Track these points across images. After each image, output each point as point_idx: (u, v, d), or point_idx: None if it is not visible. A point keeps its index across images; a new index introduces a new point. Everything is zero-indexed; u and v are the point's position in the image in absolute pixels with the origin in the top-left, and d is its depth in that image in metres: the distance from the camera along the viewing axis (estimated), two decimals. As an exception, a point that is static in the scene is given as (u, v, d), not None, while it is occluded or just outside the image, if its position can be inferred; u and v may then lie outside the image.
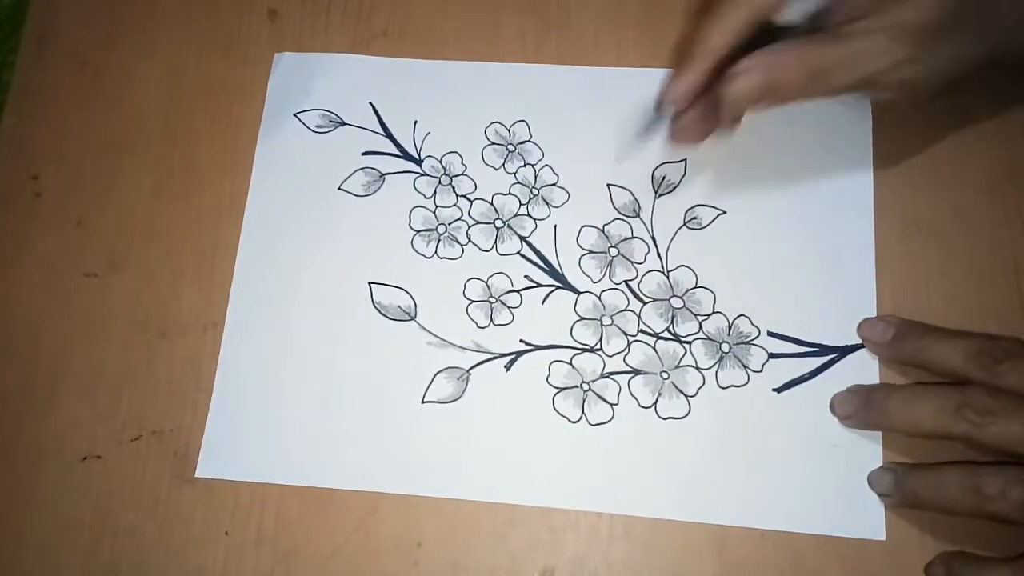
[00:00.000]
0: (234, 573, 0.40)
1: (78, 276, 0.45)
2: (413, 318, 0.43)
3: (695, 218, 0.44)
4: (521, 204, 0.45)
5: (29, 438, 0.42)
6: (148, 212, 0.46)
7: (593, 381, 0.41)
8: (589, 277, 0.43)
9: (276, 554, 0.40)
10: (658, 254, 0.43)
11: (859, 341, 0.41)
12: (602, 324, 0.42)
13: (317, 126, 0.47)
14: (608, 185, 0.44)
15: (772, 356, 0.41)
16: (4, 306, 0.45)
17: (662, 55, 0.46)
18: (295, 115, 0.47)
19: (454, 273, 0.44)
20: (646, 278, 0.43)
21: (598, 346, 0.42)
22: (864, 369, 0.40)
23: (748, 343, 0.41)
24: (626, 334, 0.42)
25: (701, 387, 0.41)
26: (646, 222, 0.44)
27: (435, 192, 0.45)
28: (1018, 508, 0.32)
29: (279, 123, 0.47)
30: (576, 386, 0.41)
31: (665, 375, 0.41)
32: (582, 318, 0.42)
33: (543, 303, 0.43)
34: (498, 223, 0.45)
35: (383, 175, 0.46)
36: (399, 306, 0.43)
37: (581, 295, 0.43)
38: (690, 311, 0.42)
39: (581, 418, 0.41)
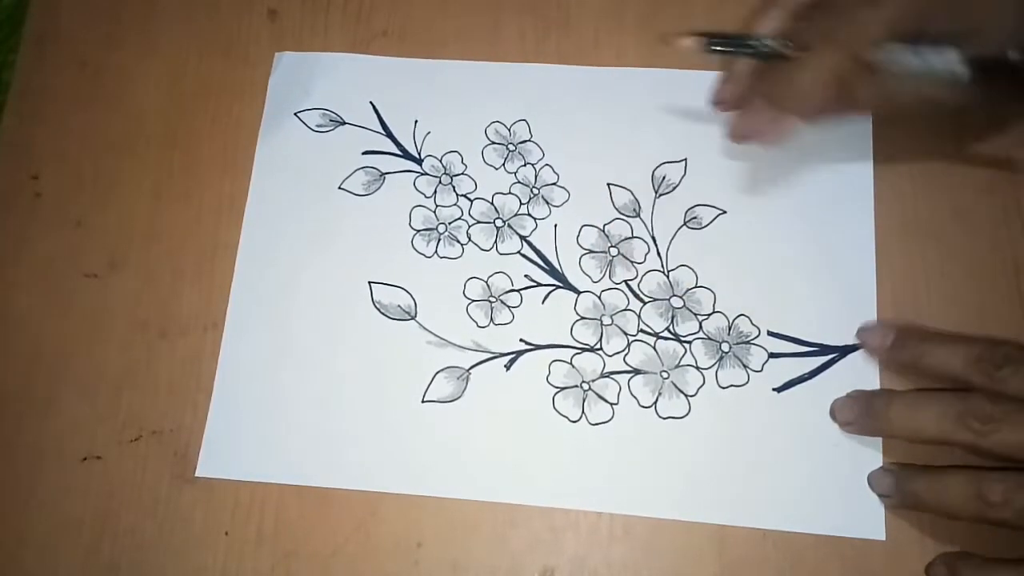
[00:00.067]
0: (234, 573, 0.40)
1: (78, 276, 0.45)
2: (413, 317, 0.43)
3: (695, 218, 0.43)
4: (521, 203, 0.45)
5: (29, 438, 0.42)
6: (148, 212, 0.46)
7: (593, 381, 0.41)
8: (589, 277, 0.43)
9: (276, 554, 0.40)
10: (658, 254, 0.43)
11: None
12: (602, 324, 0.42)
13: (317, 125, 0.47)
14: (608, 185, 0.44)
15: (772, 356, 0.41)
16: (4, 306, 0.45)
17: (662, 55, 0.46)
18: (295, 114, 0.47)
19: (454, 272, 0.44)
20: (646, 278, 0.43)
21: (598, 346, 0.42)
22: (864, 369, 0.40)
23: (748, 343, 0.41)
24: (626, 334, 0.42)
25: (701, 387, 0.41)
26: (646, 222, 0.44)
27: (435, 191, 0.45)
28: (1021, 515, 0.32)
29: (279, 122, 0.47)
30: (576, 386, 0.41)
31: (665, 375, 0.41)
32: (582, 318, 0.42)
33: (543, 303, 0.43)
34: (498, 222, 0.44)
35: (383, 174, 0.46)
36: (399, 305, 0.43)
37: (581, 295, 0.43)
38: (690, 311, 0.42)
39: (581, 418, 0.41)
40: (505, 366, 0.42)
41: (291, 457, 0.41)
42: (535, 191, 0.45)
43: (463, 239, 0.44)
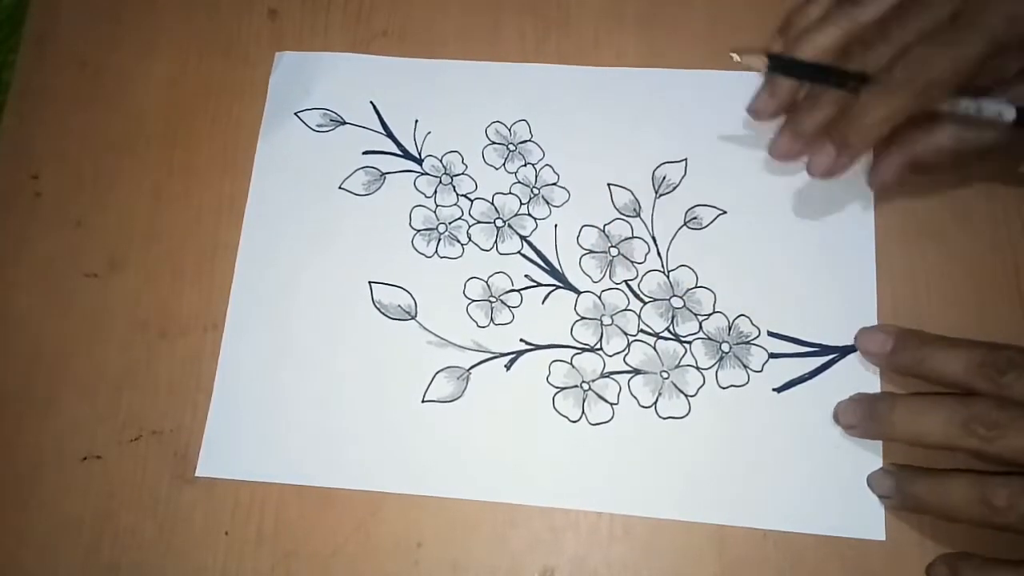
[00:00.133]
0: (234, 573, 0.40)
1: (78, 276, 0.45)
2: (413, 317, 0.43)
3: (695, 218, 0.43)
4: (521, 203, 0.44)
5: (29, 438, 0.42)
6: (148, 212, 0.46)
7: (593, 381, 0.41)
8: (589, 277, 0.43)
9: (276, 554, 0.40)
10: (658, 254, 0.43)
11: (859, 341, 0.40)
12: (602, 324, 0.42)
13: (318, 125, 0.47)
14: (608, 185, 0.44)
15: (772, 356, 0.41)
16: (4, 306, 0.45)
17: (662, 55, 0.46)
18: (296, 114, 0.47)
19: (454, 272, 0.43)
20: (646, 278, 0.43)
21: (598, 346, 0.42)
22: (864, 370, 0.40)
23: (748, 343, 0.41)
24: (626, 334, 0.42)
25: (701, 387, 0.41)
26: (646, 222, 0.43)
27: (436, 191, 0.45)
28: None
29: (280, 122, 0.47)
30: (576, 386, 0.41)
31: (665, 375, 0.41)
32: (582, 318, 0.42)
33: (543, 303, 0.43)
34: (498, 222, 0.44)
35: (384, 174, 0.46)
36: (399, 305, 0.43)
37: (581, 295, 0.43)
38: (690, 311, 0.42)
39: (581, 418, 0.41)
40: (505, 366, 0.42)
41: (291, 457, 0.41)
42: (535, 191, 0.45)
43: (463, 239, 0.44)
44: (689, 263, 0.43)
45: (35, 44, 0.50)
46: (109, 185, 0.47)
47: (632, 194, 0.44)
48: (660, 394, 0.41)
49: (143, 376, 0.43)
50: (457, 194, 0.45)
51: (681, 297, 0.42)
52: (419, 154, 0.46)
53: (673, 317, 0.42)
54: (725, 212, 0.43)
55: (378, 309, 0.43)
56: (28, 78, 0.49)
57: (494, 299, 0.43)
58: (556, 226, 0.44)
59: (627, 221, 0.44)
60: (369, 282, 0.43)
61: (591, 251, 0.43)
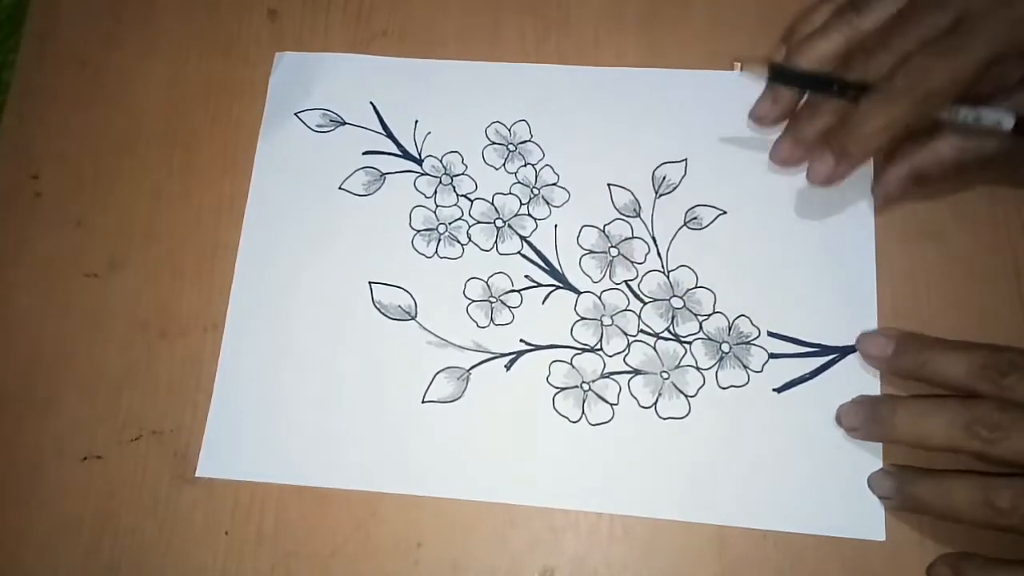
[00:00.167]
0: (234, 573, 0.39)
1: (78, 276, 0.45)
2: (413, 318, 0.42)
3: (695, 218, 0.43)
4: (521, 204, 0.44)
5: (29, 438, 0.42)
6: (148, 212, 0.46)
7: (593, 381, 0.41)
8: (589, 277, 0.43)
9: (276, 554, 0.40)
10: (658, 254, 0.43)
11: (860, 341, 0.40)
12: (602, 324, 0.42)
13: (318, 125, 0.46)
14: (608, 185, 0.44)
15: (772, 356, 0.40)
16: (4, 306, 0.44)
17: (662, 55, 0.46)
18: (296, 114, 0.46)
19: (454, 273, 0.43)
20: (646, 278, 0.42)
21: (598, 346, 0.41)
22: (864, 370, 0.39)
23: (748, 343, 0.41)
24: (626, 334, 0.41)
25: (701, 387, 0.40)
26: (646, 222, 0.43)
27: (436, 192, 0.45)
28: None
29: (280, 122, 0.46)
30: (576, 386, 0.41)
31: (665, 375, 0.41)
32: (582, 318, 0.42)
33: (543, 303, 0.42)
34: (498, 223, 0.44)
35: (384, 175, 0.45)
36: (399, 306, 0.43)
37: (581, 295, 0.42)
38: (690, 311, 0.42)
39: (581, 418, 0.40)
40: (505, 366, 0.41)
41: (291, 457, 0.41)
42: (535, 191, 0.44)
43: (463, 239, 0.44)
44: (689, 263, 0.42)
45: (35, 44, 0.49)
46: (109, 185, 0.46)
47: (632, 194, 0.44)
48: (660, 394, 0.40)
49: (143, 376, 0.43)
50: (457, 194, 0.45)
51: (681, 297, 0.42)
52: (419, 154, 0.45)
53: (673, 317, 0.42)
54: (725, 212, 0.43)
55: (378, 309, 0.43)
56: (28, 78, 0.49)
57: (494, 299, 0.43)
58: (556, 226, 0.44)
59: (627, 221, 0.43)
60: (369, 282, 0.43)
61: (591, 251, 0.43)
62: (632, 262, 0.43)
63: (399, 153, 0.45)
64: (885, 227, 0.42)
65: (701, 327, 0.41)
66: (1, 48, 0.51)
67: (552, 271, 0.43)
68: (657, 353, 0.41)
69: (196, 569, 0.40)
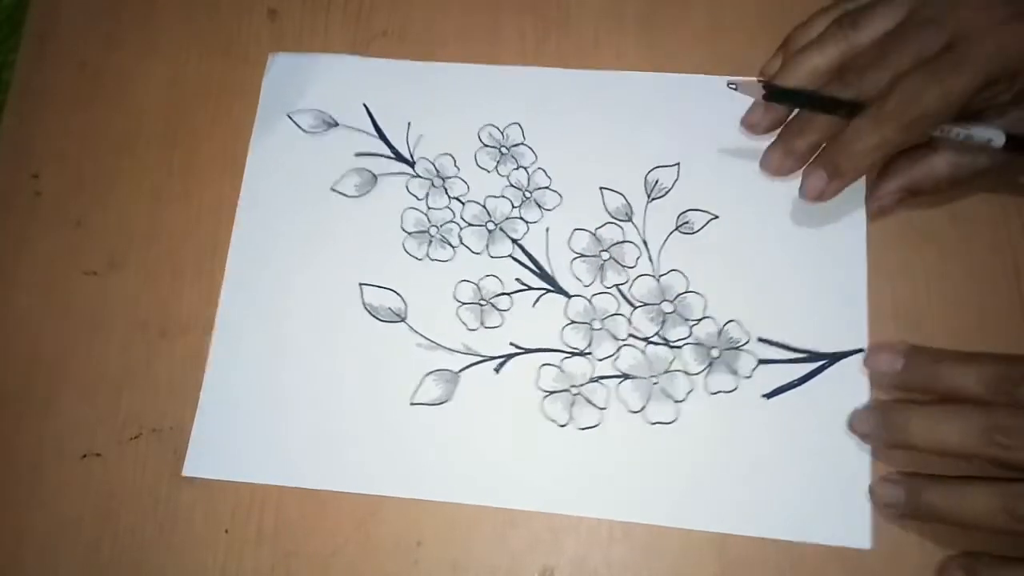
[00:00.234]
0: (234, 573, 0.38)
1: (78, 276, 0.43)
2: (403, 320, 0.41)
3: (687, 222, 0.41)
4: (513, 207, 0.42)
5: (29, 438, 0.40)
6: (148, 212, 0.44)
7: (582, 385, 0.39)
8: (580, 281, 0.40)
9: (276, 554, 0.38)
10: (649, 258, 0.40)
11: (850, 347, 0.38)
12: (592, 328, 0.40)
13: (310, 127, 0.44)
14: (600, 188, 0.42)
15: (762, 362, 0.38)
16: (4, 306, 0.43)
17: (662, 56, 0.44)
18: (288, 116, 0.44)
19: (445, 275, 0.41)
20: (637, 282, 0.40)
21: (588, 350, 0.39)
22: (854, 376, 0.37)
23: (738, 348, 0.39)
24: (616, 338, 0.39)
25: (690, 392, 0.38)
26: (638, 226, 0.41)
27: (427, 194, 0.43)
28: None
29: (272, 123, 0.44)
30: (565, 390, 0.39)
31: (654, 380, 0.39)
32: (572, 322, 0.40)
33: (534, 306, 0.40)
34: (490, 226, 0.42)
35: (376, 176, 0.43)
36: (389, 308, 0.41)
37: (572, 299, 0.40)
38: (680, 316, 0.39)
39: (569, 422, 0.38)
40: (494, 369, 0.39)
41: (279, 458, 0.39)
42: (527, 194, 0.42)
43: (454, 242, 0.42)
44: (680, 268, 0.40)
45: (35, 44, 0.47)
46: (109, 185, 0.44)
47: (624, 198, 0.41)
48: (649, 399, 0.38)
49: (143, 375, 0.41)
50: (449, 197, 0.42)
51: (672, 302, 0.40)
52: (411, 156, 0.43)
53: (663, 322, 0.39)
54: (717, 217, 0.40)
55: (368, 311, 0.41)
56: (28, 78, 0.47)
57: (484, 302, 0.41)
58: (547, 229, 0.41)
59: (619, 225, 0.41)
60: (360, 284, 0.41)
61: (582, 255, 0.41)
62: (623, 266, 0.40)
63: (391, 155, 0.43)
64: (884, 228, 0.40)
65: (691, 332, 0.39)
66: (1, 48, 0.49)
67: (543, 274, 0.41)
68: (646, 357, 0.39)
69: (196, 569, 0.38)
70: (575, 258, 0.41)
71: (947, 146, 0.34)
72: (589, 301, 0.40)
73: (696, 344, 0.39)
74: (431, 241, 0.42)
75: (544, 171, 0.42)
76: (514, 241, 0.41)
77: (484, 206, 0.42)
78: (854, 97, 0.33)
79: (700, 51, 0.43)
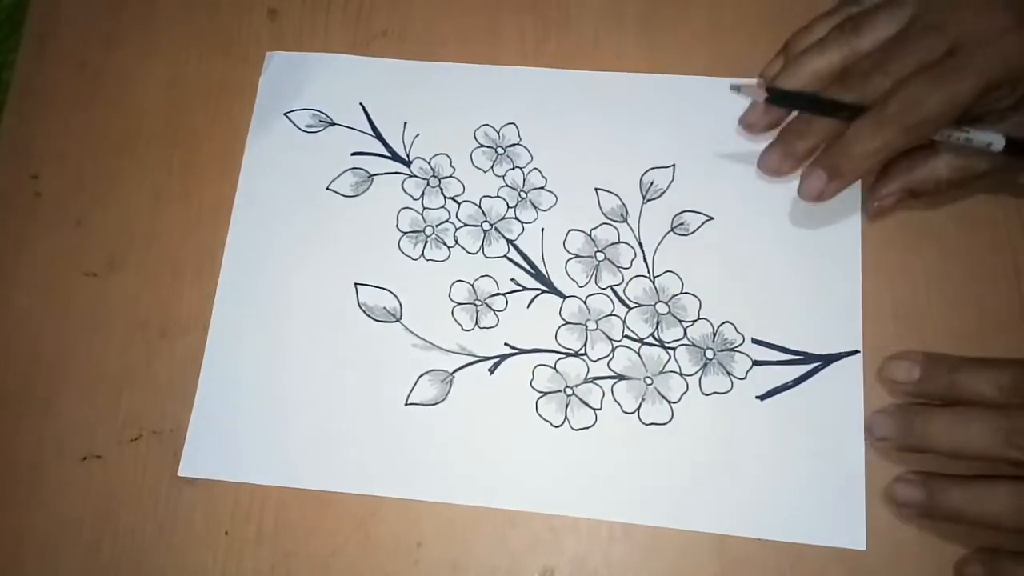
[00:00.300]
0: (234, 573, 0.36)
1: (78, 276, 0.41)
2: (398, 320, 0.39)
3: (682, 223, 0.39)
4: (509, 207, 0.40)
5: (29, 438, 0.39)
6: (148, 212, 0.42)
7: (577, 386, 0.37)
8: (575, 281, 0.39)
9: (276, 554, 0.36)
10: (644, 259, 0.38)
11: (844, 349, 0.36)
12: (587, 329, 0.38)
13: (307, 126, 0.42)
14: (596, 189, 0.40)
15: (756, 363, 0.36)
16: (4, 306, 0.41)
17: (662, 56, 0.42)
18: (285, 114, 0.42)
19: (440, 275, 0.39)
20: (632, 283, 0.38)
21: (583, 351, 0.37)
22: (848, 378, 0.36)
23: (732, 350, 0.37)
24: (611, 339, 0.38)
25: (684, 393, 0.36)
26: (633, 227, 0.39)
27: (423, 194, 0.41)
28: None
29: (269, 122, 0.42)
30: (560, 390, 0.37)
31: (649, 381, 0.37)
32: (567, 322, 0.38)
33: (529, 307, 0.38)
34: (485, 226, 0.40)
35: (371, 176, 0.41)
36: (384, 307, 0.39)
37: (567, 299, 0.38)
38: (675, 317, 0.38)
39: (564, 422, 0.37)
40: (489, 370, 0.38)
41: (275, 458, 0.37)
42: (523, 195, 0.40)
43: (450, 242, 0.40)
44: (675, 269, 0.38)
45: (35, 44, 0.45)
46: (109, 185, 0.42)
47: (619, 199, 0.39)
48: (643, 400, 0.37)
49: (143, 376, 0.39)
50: (444, 197, 0.40)
51: (666, 303, 0.38)
52: (407, 156, 0.41)
53: (658, 323, 0.38)
54: (712, 218, 0.38)
55: (363, 311, 0.39)
56: (28, 78, 0.45)
57: (479, 303, 0.39)
58: (543, 230, 0.39)
59: (614, 226, 0.39)
60: (355, 284, 0.39)
61: (577, 255, 0.39)
62: (618, 267, 0.38)
63: (387, 154, 0.41)
64: (884, 228, 0.38)
65: (686, 333, 0.37)
66: (1, 48, 0.47)
67: (538, 275, 0.39)
68: (641, 358, 0.37)
69: (196, 569, 0.37)
70: (570, 259, 0.39)
71: (947, 149, 0.33)
72: (584, 302, 0.38)
73: (691, 345, 0.37)
74: (426, 241, 0.40)
75: (540, 171, 0.40)
76: (509, 241, 0.39)
77: (480, 206, 0.40)
78: (856, 100, 0.31)
79: (700, 52, 0.41)
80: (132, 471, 0.38)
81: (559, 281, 0.39)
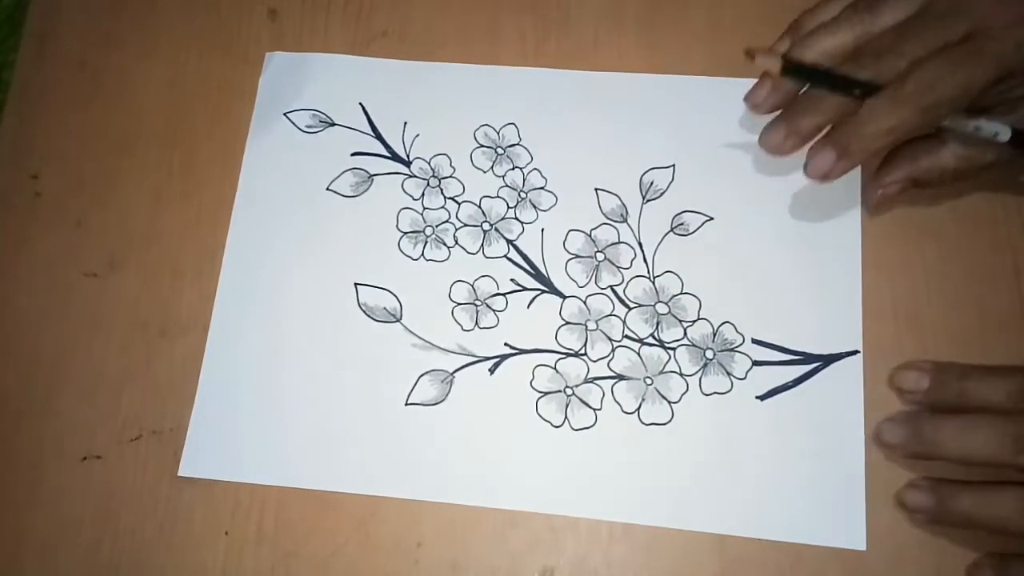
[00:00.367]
0: (234, 573, 0.35)
1: (78, 276, 0.40)
2: (398, 320, 0.37)
3: (682, 224, 0.37)
4: (509, 207, 0.38)
5: (29, 438, 0.37)
6: (148, 212, 0.40)
7: (577, 386, 0.36)
8: (575, 281, 0.37)
9: (276, 554, 0.35)
10: (644, 259, 0.37)
11: (844, 350, 0.35)
12: (587, 329, 0.36)
13: (307, 126, 0.40)
14: (596, 189, 0.38)
15: (756, 363, 0.35)
16: (4, 306, 0.39)
17: (662, 56, 0.40)
18: (285, 115, 0.41)
19: (440, 275, 0.38)
20: (632, 283, 0.37)
21: (583, 351, 0.36)
22: (848, 378, 0.34)
23: (732, 350, 0.35)
24: (611, 339, 0.36)
25: (684, 393, 0.35)
26: (633, 227, 0.37)
27: (423, 194, 0.39)
28: None
29: (269, 123, 0.41)
30: (560, 391, 0.36)
31: (649, 381, 0.35)
32: (567, 322, 0.37)
33: (529, 307, 0.37)
34: (485, 226, 0.38)
35: (371, 176, 0.40)
36: (385, 308, 0.37)
37: (567, 299, 0.37)
38: (675, 317, 0.36)
39: (564, 423, 0.35)
40: (489, 370, 0.36)
41: (276, 457, 0.36)
42: (523, 195, 0.39)
43: (450, 242, 0.38)
44: (675, 269, 0.37)
45: (35, 44, 0.43)
46: (109, 185, 0.41)
47: (619, 199, 0.38)
48: (643, 400, 0.35)
49: (143, 376, 0.38)
50: (444, 197, 0.39)
51: (666, 303, 0.36)
52: (407, 156, 0.40)
53: (658, 323, 0.36)
54: (712, 218, 0.37)
55: (364, 311, 0.37)
56: (28, 78, 0.43)
57: (479, 303, 0.37)
58: (543, 230, 0.38)
59: (614, 226, 0.38)
60: (355, 284, 0.38)
61: (577, 256, 0.37)
62: (618, 267, 0.37)
63: (387, 155, 0.40)
64: (884, 225, 0.37)
65: (686, 333, 0.36)
66: (1, 48, 0.46)
67: (538, 275, 0.37)
68: (641, 359, 0.36)
69: (196, 569, 0.35)
70: (570, 259, 0.37)
71: (954, 138, 0.31)
72: (584, 302, 0.37)
73: (690, 345, 0.36)
74: (426, 241, 0.38)
75: (540, 172, 0.39)
76: (509, 242, 0.38)
77: (480, 206, 0.39)
78: (870, 79, 0.30)
79: (700, 52, 0.40)
80: (132, 471, 0.37)
81: (559, 281, 0.37)
